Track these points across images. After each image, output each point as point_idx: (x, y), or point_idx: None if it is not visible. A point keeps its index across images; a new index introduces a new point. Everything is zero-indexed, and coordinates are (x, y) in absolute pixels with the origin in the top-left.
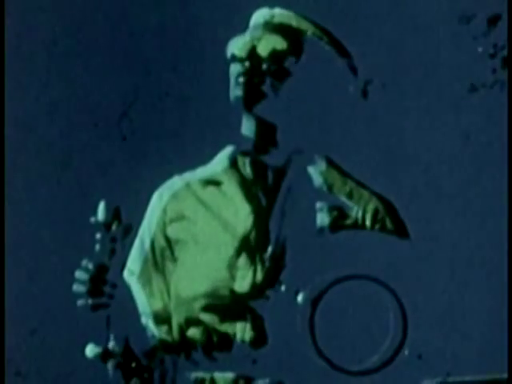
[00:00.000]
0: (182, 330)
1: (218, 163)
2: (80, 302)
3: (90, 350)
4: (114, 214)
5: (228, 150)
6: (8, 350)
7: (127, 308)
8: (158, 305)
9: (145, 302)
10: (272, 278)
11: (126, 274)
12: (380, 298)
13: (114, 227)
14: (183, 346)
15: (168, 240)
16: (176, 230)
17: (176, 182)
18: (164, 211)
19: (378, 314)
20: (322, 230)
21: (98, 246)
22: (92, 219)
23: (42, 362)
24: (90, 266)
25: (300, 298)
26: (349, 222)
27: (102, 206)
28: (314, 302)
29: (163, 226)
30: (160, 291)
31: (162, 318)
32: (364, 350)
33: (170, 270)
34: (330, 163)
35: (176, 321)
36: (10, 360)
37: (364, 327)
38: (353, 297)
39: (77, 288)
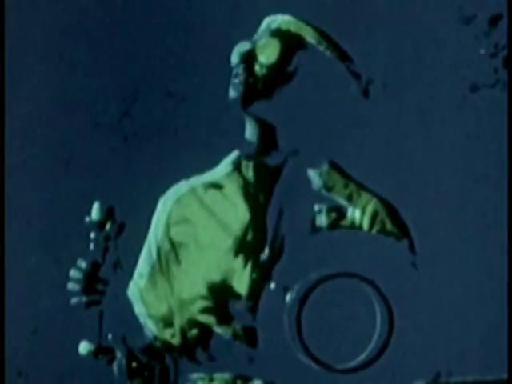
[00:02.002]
0: (184, 332)
1: (223, 167)
2: (74, 300)
3: (84, 347)
4: (108, 213)
5: (233, 155)
6: (8, 349)
7: (120, 305)
8: (163, 308)
9: (151, 305)
10: (269, 279)
11: (135, 276)
12: (367, 297)
13: (108, 226)
14: (186, 348)
15: (172, 243)
16: (179, 233)
17: (182, 186)
18: (169, 215)
19: (365, 312)
20: (320, 230)
21: (92, 245)
22: (87, 219)
23: (42, 361)
24: (84, 265)
25: (288, 296)
26: (346, 223)
27: (96, 206)
28: (302, 300)
29: (167, 230)
30: (165, 294)
31: (167, 321)
32: (351, 348)
33: (174, 272)
34: (332, 166)
35: (178, 323)
36: (11, 360)
37: (351, 326)
38: (340, 295)
39: (71, 287)
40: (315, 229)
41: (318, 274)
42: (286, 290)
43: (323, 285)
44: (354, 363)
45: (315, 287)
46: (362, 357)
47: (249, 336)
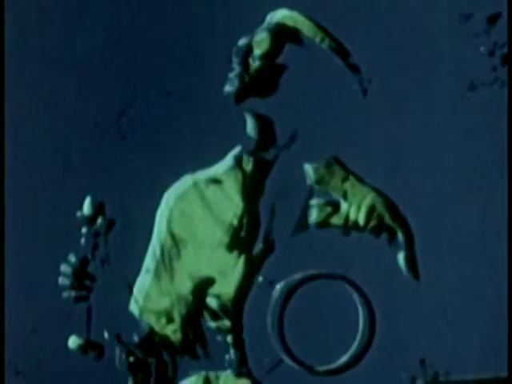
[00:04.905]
0: (185, 327)
1: (225, 162)
2: (65, 295)
3: (73, 342)
4: (99, 208)
5: (235, 150)
6: (7, 348)
7: (107, 302)
8: (165, 303)
9: (155, 300)
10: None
11: (142, 272)
12: (351, 299)
13: (98, 222)
14: (187, 344)
15: (174, 238)
16: (180, 228)
17: (186, 181)
18: (171, 208)
19: (348, 314)
20: (309, 227)
21: (83, 240)
22: (78, 214)
23: (41, 360)
24: (73, 260)
25: (273, 292)
26: (340, 219)
27: (87, 201)
28: (284, 300)
29: (170, 224)
30: (167, 289)
31: (169, 317)
32: (333, 350)
33: (175, 267)
34: (331, 161)
35: (179, 318)
36: (9, 359)
37: (333, 327)
38: (323, 296)
39: (62, 281)
40: (306, 226)
41: (301, 274)
42: (271, 283)
43: (306, 285)
44: (335, 365)
45: (298, 288)
46: (344, 359)
47: (236, 333)
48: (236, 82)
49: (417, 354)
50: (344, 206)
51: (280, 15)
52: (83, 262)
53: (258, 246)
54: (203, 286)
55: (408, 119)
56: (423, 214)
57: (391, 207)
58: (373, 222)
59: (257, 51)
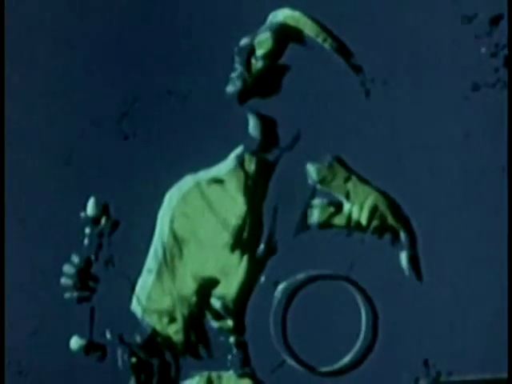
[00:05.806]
0: (187, 328)
1: (227, 163)
2: (67, 295)
3: (75, 343)
4: (103, 209)
5: (238, 150)
6: (8, 348)
7: (110, 303)
8: (167, 303)
9: (157, 300)
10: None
11: (144, 272)
12: (353, 299)
13: (102, 222)
14: (189, 345)
15: (175, 238)
16: (181, 228)
17: (188, 181)
18: (173, 208)
19: (350, 315)
20: (310, 228)
21: (86, 241)
22: (82, 214)
23: (43, 360)
24: (76, 260)
25: (276, 294)
26: (342, 219)
27: (91, 202)
28: (287, 300)
29: (172, 224)
30: (169, 289)
31: (171, 317)
32: (336, 351)
33: (177, 267)
34: (333, 161)
35: (181, 319)
36: (11, 359)
37: (336, 328)
38: (326, 297)
39: (64, 282)
40: (308, 226)
41: (303, 275)
42: (276, 283)
43: (308, 286)
44: (338, 366)
45: (300, 288)
46: (347, 359)
47: (239, 333)
48: (238, 83)
49: (420, 355)
50: (346, 206)
51: (282, 15)
52: (87, 263)
53: (261, 247)
54: (206, 287)
55: (411, 120)
56: (425, 214)
57: (394, 207)
58: (375, 223)
59: (259, 51)
